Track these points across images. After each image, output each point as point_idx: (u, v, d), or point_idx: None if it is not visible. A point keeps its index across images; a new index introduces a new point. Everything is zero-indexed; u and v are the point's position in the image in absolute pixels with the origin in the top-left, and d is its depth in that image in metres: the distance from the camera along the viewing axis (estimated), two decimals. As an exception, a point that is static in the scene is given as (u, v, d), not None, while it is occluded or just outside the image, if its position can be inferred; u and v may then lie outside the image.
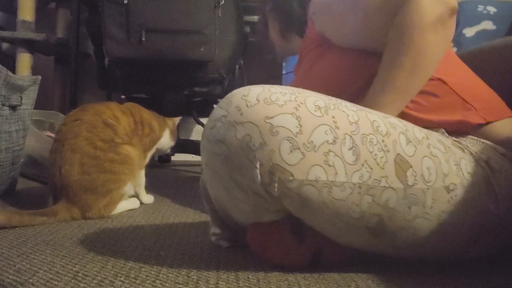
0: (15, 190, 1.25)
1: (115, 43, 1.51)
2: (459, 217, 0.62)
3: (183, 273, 0.63)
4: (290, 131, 0.54)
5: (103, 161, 0.97)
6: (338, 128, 0.56)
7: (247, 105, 0.56)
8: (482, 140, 0.70)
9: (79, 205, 0.94)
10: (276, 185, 0.55)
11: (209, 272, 0.64)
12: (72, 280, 0.58)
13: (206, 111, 1.95)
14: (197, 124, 2.07)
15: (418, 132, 0.64)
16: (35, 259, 0.66)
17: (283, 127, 0.54)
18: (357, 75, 0.78)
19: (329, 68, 0.82)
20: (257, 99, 0.56)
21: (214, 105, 1.98)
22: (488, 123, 0.71)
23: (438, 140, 0.66)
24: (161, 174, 1.58)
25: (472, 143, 0.69)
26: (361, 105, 0.66)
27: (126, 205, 1.07)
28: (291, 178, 0.54)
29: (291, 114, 0.55)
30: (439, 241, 0.63)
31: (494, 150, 0.69)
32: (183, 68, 1.61)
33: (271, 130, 0.54)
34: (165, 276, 0.61)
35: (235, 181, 0.57)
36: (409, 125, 0.65)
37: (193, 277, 0.61)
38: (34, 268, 0.62)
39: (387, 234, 0.61)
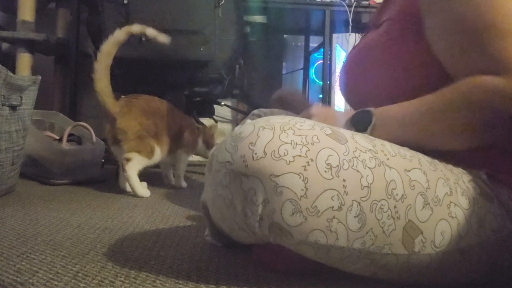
0: (15, 190, 1.25)
1: (115, 43, 1.50)
2: (468, 272, 0.59)
3: (183, 273, 0.63)
4: (295, 193, 0.52)
5: None
6: (346, 194, 0.53)
7: (253, 157, 0.53)
8: None
9: None
10: (273, 238, 0.55)
11: (209, 272, 0.64)
12: (72, 280, 0.58)
13: (206, 111, 1.95)
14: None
15: (442, 187, 0.58)
16: (35, 259, 0.66)
17: (287, 188, 0.52)
18: (426, 85, 0.65)
19: (402, 59, 0.70)
20: (264, 151, 0.53)
21: (214, 105, 1.99)
22: None
23: (463, 192, 0.59)
24: (161, 174, 1.59)
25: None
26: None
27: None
28: (289, 237, 0.54)
29: (298, 174, 0.52)
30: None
31: None
32: (183, 68, 1.61)
33: (275, 189, 0.52)
34: (165, 276, 0.61)
35: (237, 223, 0.57)
36: (434, 178, 0.58)
37: (193, 277, 0.62)
38: (34, 268, 0.62)
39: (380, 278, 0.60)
